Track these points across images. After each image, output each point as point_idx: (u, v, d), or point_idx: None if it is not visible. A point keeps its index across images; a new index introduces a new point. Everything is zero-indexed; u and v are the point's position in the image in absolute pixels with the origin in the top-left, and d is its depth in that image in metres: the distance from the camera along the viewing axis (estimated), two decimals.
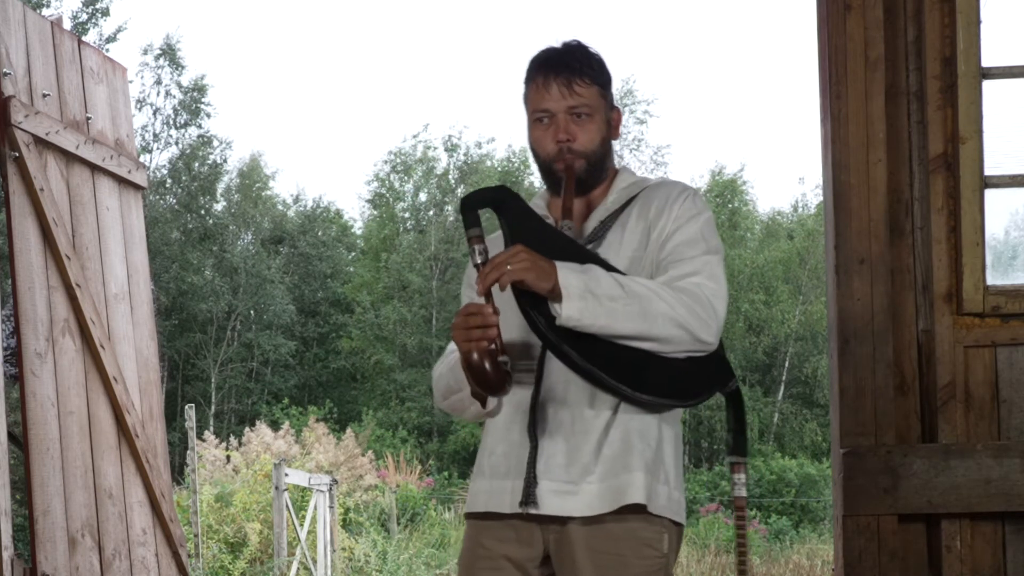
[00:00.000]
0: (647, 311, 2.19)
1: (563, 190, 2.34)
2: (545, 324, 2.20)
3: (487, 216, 2.29)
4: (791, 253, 29.63)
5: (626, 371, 2.22)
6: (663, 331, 2.20)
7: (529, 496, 2.28)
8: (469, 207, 2.24)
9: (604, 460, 2.26)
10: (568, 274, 2.17)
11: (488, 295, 2.18)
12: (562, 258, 2.22)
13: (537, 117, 2.37)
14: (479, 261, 2.19)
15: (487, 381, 2.19)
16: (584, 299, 2.15)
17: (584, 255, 2.27)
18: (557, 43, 2.41)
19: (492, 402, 2.35)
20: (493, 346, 2.18)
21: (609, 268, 2.26)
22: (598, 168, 2.39)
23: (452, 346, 2.47)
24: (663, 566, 2.30)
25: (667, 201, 2.36)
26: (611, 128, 2.41)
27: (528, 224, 2.29)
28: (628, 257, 2.33)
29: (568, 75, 2.34)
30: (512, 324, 2.25)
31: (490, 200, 2.28)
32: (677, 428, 2.37)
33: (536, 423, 2.29)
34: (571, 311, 2.15)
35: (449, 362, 2.42)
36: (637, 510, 2.26)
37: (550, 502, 2.27)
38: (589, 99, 2.35)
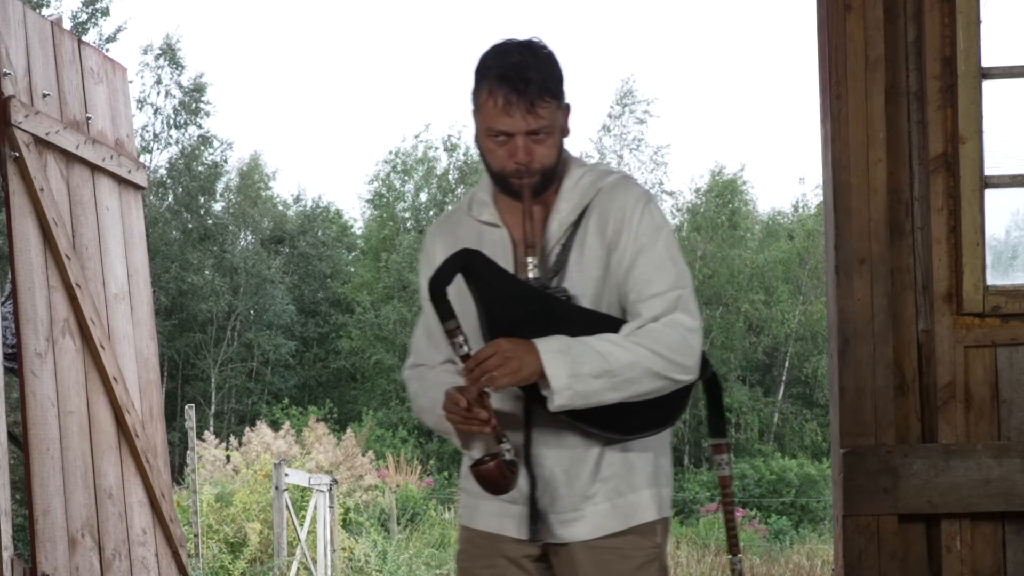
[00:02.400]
0: (631, 378, 2.21)
1: (524, 222, 2.29)
2: (536, 398, 2.24)
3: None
4: (791, 253, 29.62)
5: (616, 421, 2.27)
6: (647, 387, 2.24)
7: (535, 531, 2.33)
8: (439, 296, 2.22)
9: (604, 481, 2.32)
10: (553, 362, 2.17)
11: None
12: (537, 317, 2.23)
13: (493, 135, 2.28)
14: (464, 352, 2.21)
15: (496, 487, 2.23)
16: (571, 387, 2.18)
17: (558, 311, 2.26)
18: (511, 45, 2.29)
19: (476, 453, 2.34)
20: (500, 447, 2.21)
21: (585, 319, 2.26)
22: (553, 176, 2.34)
23: (422, 353, 2.49)
24: (658, 555, 2.36)
25: (624, 216, 2.31)
26: (564, 131, 2.35)
27: (497, 286, 2.28)
28: (593, 278, 2.31)
29: (530, 97, 2.23)
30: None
31: (458, 268, 2.26)
32: (665, 432, 2.40)
33: (531, 459, 2.32)
34: (561, 400, 2.19)
35: (434, 402, 2.36)
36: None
37: (558, 532, 2.33)
38: (549, 119, 2.27)
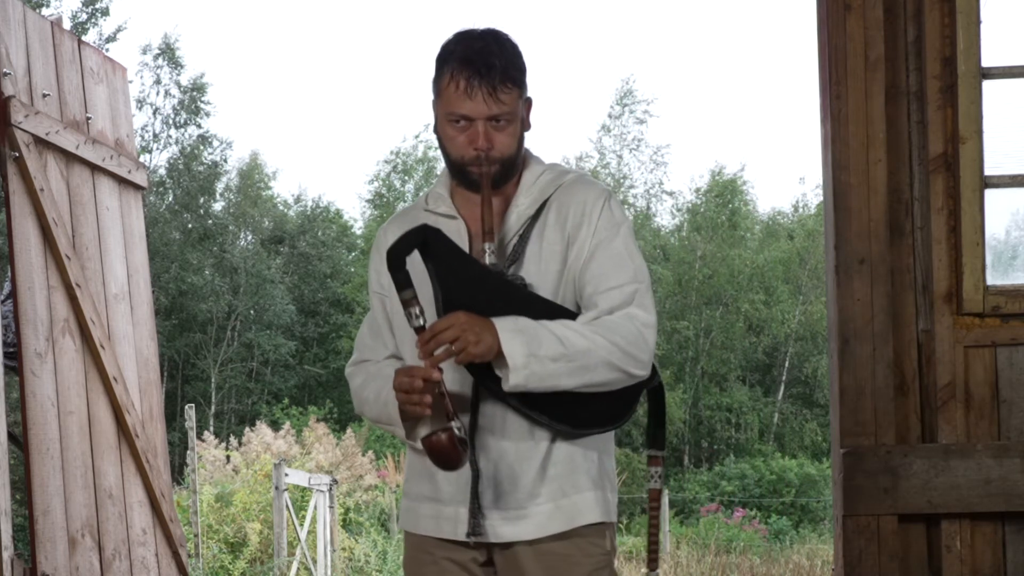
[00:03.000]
0: (587, 365, 2.19)
1: (482, 209, 2.28)
2: (488, 379, 2.21)
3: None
4: (791, 253, 29.64)
5: (566, 412, 2.25)
6: (602, 377, 2.21)
7: (476, 527, 2.28)
8: (397, 264, 2.19)
9: (550, 480, 2.28)
10: (511, 341, 2.15)
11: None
12: (493, 301, 2.20)
13: (453, 119, 2.27)
14: (418, 324, 2.17)
15: (448, 460, 2.17)
16: (528, 366, 2.15)
17: (513, 296, 2.24)
18: (475, 32, 2.30)
19: (423, 433, 2.29)
20: (450, 423, 2.16)
21: (542, 305, 2.24)
22: (512, 168, 2.33)
23: (366, 348, 2.45)
24: (607, 563, 2.33)
25: (584, 211, 2.30)
26: (525, 123, 2.34)
27: (453, 265, 2.26)
28: (553, 271, 2.29)
29: (492, 81, 2.22)
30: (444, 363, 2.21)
31: (415, 243, 2.23)
32: (611, 434, 2.38)
33: (476, 452, 2.28)
34: (517, 379, 2.16)
35: (378, 392, 2.35)
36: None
37: (499, 531, 2.28)
38: (511, 105, 2.26)
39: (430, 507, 2.34)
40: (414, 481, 2.39)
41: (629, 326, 2.23)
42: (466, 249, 2.32)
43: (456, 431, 2.15)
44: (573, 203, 2.31)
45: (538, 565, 2.28)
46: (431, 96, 2.34)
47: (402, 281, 2.18)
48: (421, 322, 2.18)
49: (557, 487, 2.27)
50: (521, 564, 2.29)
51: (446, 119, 2.28)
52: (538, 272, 2.28)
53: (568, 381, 2.19)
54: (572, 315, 2.26)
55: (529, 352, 2.15)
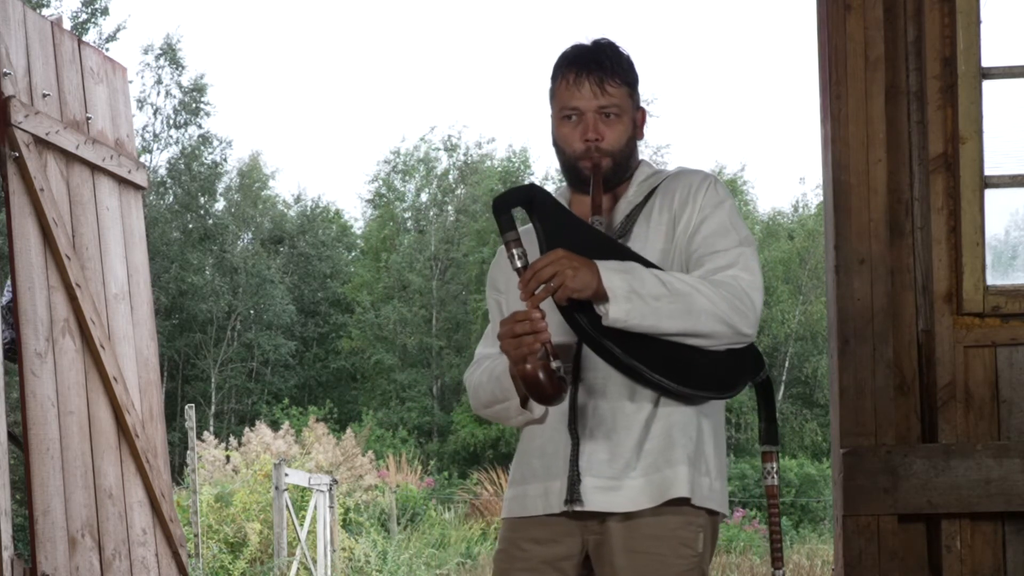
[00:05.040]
0: (691, 308, 2.19)
1: (592, 187, 2.33)
2: (588, 323, 2.20)
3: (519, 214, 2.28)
4: (791, 253, 29.62)
5: (668, 366, 2.23)
6: (706, 327, 2.21)
7: (574, 494, 2.28)
8: (502, 209, 2.22)
9: (646, 455, 2.27)
10: (612, 275, 2.16)
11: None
12: (598, 255, 2.21)
13: (565, 115, 2.36)
14: (519, 265, 2.18)
15: (543, 392, 2.16)
16: (630, 300, 2.16)
17: (619, 250, 2.27)
18: (587, 40, 2.40)
19: (540, 409, 2.33)
20: (545, 353, 2.16)
21: (646, 264, 2.26)
22: (623, 167, 2.39)
23: (484, 351, 2.49)
24: (698, 564, 2.32)
25: (690, 191, 2.37)
26: (636, 128, 2.41)
27: (561, 221, 2.28)
28: (658, 250, 2.33)
29: (600, 74, 2.33)
30: (548, 321, 2.22)
31: (522, 199, 2.27)
32: (717, 419, 2.37)
33: (576, 420, 2.29)
34: (618, 313, 2.16)
35: (491, 370, 2.40)
36: (678, 503, 2.28)
37: (594, 498, 2.27)
38: (619, 99, 2.35)
39: (529, 487, 2.35)
40: (515, 466, 2.41)
41: (734, 284, 2.26)
42: None
43: (556, 372, 2.14)
44: (679, 186, 2.38)
45: (628, 563, 2.27)
46: (548, 110, 2.42)
47: (505, 224, 2.20)
48: (524, 262, 2.18)
49: (651, 462, 2.27)
50: (613, 560, 2.28)
51: (559, 118, 2.38)
52: (644, 249, 2.32)
53: (670, 323, 2.19)
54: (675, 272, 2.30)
55: (631, 288, 2.16)
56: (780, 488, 2.46)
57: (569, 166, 2.38)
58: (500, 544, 2.42)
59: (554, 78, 2.39)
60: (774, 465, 2.41)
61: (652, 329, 2.18)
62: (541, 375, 2.13)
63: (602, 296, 2.16)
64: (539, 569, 2.34)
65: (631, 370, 2.22)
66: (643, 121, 2.44)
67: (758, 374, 2.34)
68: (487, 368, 2.41)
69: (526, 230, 2.36)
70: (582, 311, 2.20)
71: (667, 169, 2.47)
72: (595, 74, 2.33)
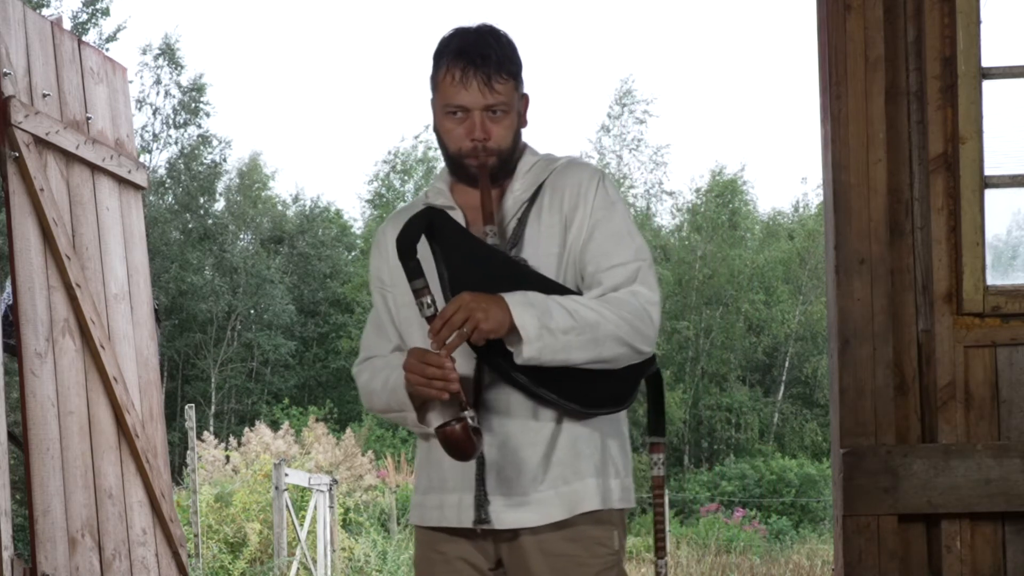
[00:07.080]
0: (596, 337, 2.19)
1: (481, 193, 2.30)
2: (501, 360, 2.20)
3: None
4: (791, 253, 29.62)
5: (574, 390, 2.24)
6: (611, 352, 2.21)
7: (481, 514, 2.27)
8: (408, 252, 2.18)
9: (554, 467, 2.27)
10: (523, 312, 2.14)
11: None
12: (501, 278, 2.20)
13: (450, 111, 2.29)
14: (428, 314, 2.16)
15: (463, 451, 2.15)
16: (541, 338, 2.14)
17: (522, 275, 2.25)
18: (470, 27, 2.33)
19: (436, 421, 2.29)
20: (459, 405, 2.15)
21: (549, 285, 2.24)
22: (509, 161, 2.35)
23: (373, 347, 2.44)
24: (616, 563, 2.33)
25: (579, 191, 2.32)
26: (521, 118, 2.36)
27: (461, 247, 2.26)
28: (552, 255, 2.30)
29: (487, 71, 2.26)
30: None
31: (422, 228, 2.23)
32: (618, 417, 2.37)
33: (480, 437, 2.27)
34: (531, 352, 2.15)
35: (385, 381, 2.35)
36: (589, 511, 2.29)
37: (503, 517, 2.27)
38: (506, 96, 2.29)
39: (436, 497, 2.34)
40: (420, 473, 2.40)
41: (634, 302, 2.24)
42: None
43: (470, 420, 2.13)
44: (568, 185, 2.33)
45: (546, 567, 2.28)
46: (429, 94, 2.35)
47: (413, 270, 2.18)
48: (432, 311, 2.16)
49: (559, 474, 2.27)
50: (528, 564, 2.29)
51: (443, 112, 2.31)
52: (537, 254, 2.29)
53: (579, 355, 2.18)
54: (575, 295, 2.27)
55: (541, 324, 2.14)
56: (667, 479, 2.49)
57: (454, 161, 2.34)
58: (418, 549, 2.41)
59: (436, 66, 2.31)
60: (661, 456, 2.43)
61: (563, 363, 2.18)
62: (461, 435, 2.12)
63: (514, 333, 2.15)
64: (460, 569, 2.34)
65: (538, 397, 2.24)
66: (526, 107, 2.38)
67: (649, 370, 2.35)
68: (382, 377, 2.36)
69: (424, 252, 2.27)
70: (491, 347, 2.19)
71: (553, 156, 2.41)
72: (482, 72, 2.25)
